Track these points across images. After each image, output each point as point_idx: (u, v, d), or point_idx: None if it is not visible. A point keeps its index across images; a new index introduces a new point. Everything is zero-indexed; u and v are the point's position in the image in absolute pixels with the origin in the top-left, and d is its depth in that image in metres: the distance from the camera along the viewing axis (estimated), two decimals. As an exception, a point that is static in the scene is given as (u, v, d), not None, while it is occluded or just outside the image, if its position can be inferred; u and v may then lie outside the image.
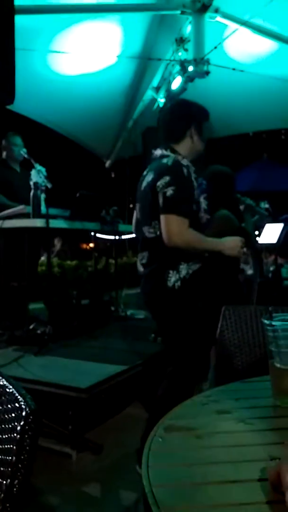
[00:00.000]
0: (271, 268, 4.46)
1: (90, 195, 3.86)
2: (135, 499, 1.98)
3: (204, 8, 3.80)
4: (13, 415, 0.71)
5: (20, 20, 2.22)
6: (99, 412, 2.70)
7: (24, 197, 3.46)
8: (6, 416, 0.72)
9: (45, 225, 3.18)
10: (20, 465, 0.66)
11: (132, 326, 4.02)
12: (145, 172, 2.09)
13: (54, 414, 2.38)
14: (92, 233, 4.55)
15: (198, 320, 1.98)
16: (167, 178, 1.88)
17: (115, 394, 2.74)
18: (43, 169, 3.39)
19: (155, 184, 1.92)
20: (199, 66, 3.89)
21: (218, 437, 0.82)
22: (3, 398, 0.75)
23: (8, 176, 3.99)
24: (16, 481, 0.65)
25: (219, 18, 3.92)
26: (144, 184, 2.04)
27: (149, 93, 5.14)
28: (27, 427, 0.68)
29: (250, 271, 3.37)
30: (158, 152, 2.06)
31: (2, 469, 0.67)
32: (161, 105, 4.96)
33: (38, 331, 3.29)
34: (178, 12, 3.95)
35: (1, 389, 0.77)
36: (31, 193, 3.32)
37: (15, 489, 0.65)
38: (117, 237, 4.69)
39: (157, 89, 5.00)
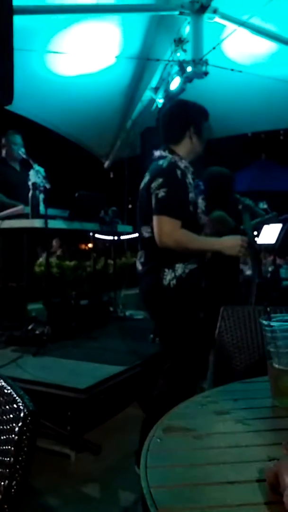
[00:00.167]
0: (270, 269, 4.46)
1: (89, 195, 3.86)
2: (134, 499, 1.97)
3: (203, 8, 3.80)
4: (11, 416, 0.71)
5: (19, 21, 2.22)
6: (98, 413, 2.70)
7: (23, 196, 3.46)
8: (4, 417, 0.72)
9: (44, 225, 3.18)
10: (18, 466, 0.66)
11: (131, 327, 4.01)
12: (146, 174, 2.12)
13: (53, 414, 2.37)
14: (91, 234, 4.55)
15: (194, 319, 1.99)
16: (160, 180, 1.92)
17: (114, 395, 2.74)
18: (41, 170, 3.39)
19: (149, 185, 1.96)
20: (198, 67, 3.89)
21: (216, 437, 0.82)
22: (1, 399, 0.75)
23: (7, 175, 3.98)
24: (14, 482, 0.65)
25: (217, 19, 3.92)
26: (142, 185, 2.07)
27: (147, 94, 5.14)
28: (25, 428, 0.68)
29: (248, 272, 3.37)
30: (157, 153, 2.08)
31: (0, 470, 0.67)
32: (159, 106, 4.96)
33: (37, 332, 3.29)
34: (177, 12, 3.95)
35: (-1, 390, 0.77)
36: (30, 194, 3.32)
37: (13, 490, 0.65)
38: (116, 238, 4.69)
39: (156, 89, 5.00)
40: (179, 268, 1.94)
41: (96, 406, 2.62)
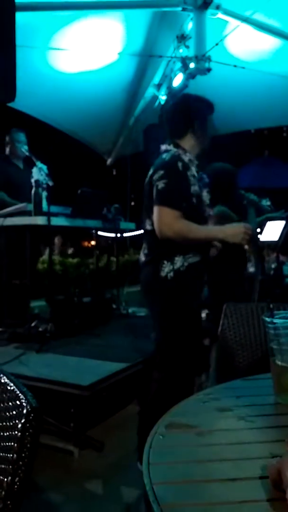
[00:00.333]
0: (273, 266, 4.44)
1: (91, 192, 3.86)
2: (137, 496, 1.98)
3: (206, 4, 3.78)
4: (14, 412, 0.71)
5: (21, 17, 2.22)
6: (101, 410, 2.71)
7: (26, 194, 3.46)
8: (7, 413, 0.72)
9: (47, 222, 3.18)
10: (21, 463, 0.66)
11: (134, 324, 4.01)
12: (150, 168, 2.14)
13: (56, 411, 2.38)
14: (94, 231, 4.55)
15: (188, 313, 2.00)
16: (161, 172, 1.95)
17: (117, 392, 2.74)
18: (44, 167, 3.39)
19: (152, 178, 2.00)
20: (201, 63, 3.88)
21: (219, 434, 0.82)
22: (4, 396, 0.75)
23: (10, 173, 3.98)
24: (17, 479, 0.65)
25: (220, 15, 3.90)
26: (146, 179, 2.10)
27: (150, 90, 5.12)
28: (28, 425, 0.68)
29: (251, 269, 3.36)
30: (163, 147, 2.11)
31: (3, 466, 0.67)
32: (162, 102, 4.94)
33: (40, 329, 3.30)
34: (179, 8, 3.93)
35: (2, 387, 0.77)
36: (33, 191, 3.32)
37: (16, 486, 0.65)
38: (118, 235, 4.69)
39: (159, 86, 4.99)
40: (178, 261, 1.96)
41: (99, 403, 2.63)
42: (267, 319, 0.95)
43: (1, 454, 0.69)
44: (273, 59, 4.41)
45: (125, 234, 4.78)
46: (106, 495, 2.07)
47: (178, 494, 0.63)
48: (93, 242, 5.21)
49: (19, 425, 0.68)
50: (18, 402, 0.71)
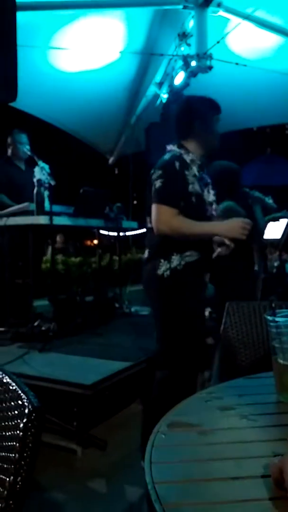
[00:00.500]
0: (275, 264, 4.44)
1: (93, 191, 3.86)
2: (140, 495, 1.98)
3: (207, 2, 3.76)
4: (16, 412, 0.71)
5: (22, 17, 2.21)
6: (104, 409, 2.71)
7: (28, 195, 3.47)
8: (9, 413, 0.72)
9: (49, 222, 3.19)
10: (23, 462, 0.66)
11: (136, 323, 4.01)
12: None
13: (59, 410, 2.39)
14: (96, 230, 4.55)
15: (186, 311, 1.99)
16: (159, 172, 2.00)
17: (120, 391, 2.75)
18: (46, 166, 3.40)
19: (151, 177, 2.03)
20: (202, 61, 3.87)
21: (221, 433, 0.82)
22: (6, 395, 0.76)
23: (11, 174, 3.98)
24: (19, 478, 0.65)
25: (221, 12, 3.88)
26: (148, 178, 2.11)
27: (152, 89, 5.11)
28: (29, 425, 0.68)
29: (254, 267, 3.36)
30: (168, 147, 2.14)
31: (5, 466, 0.67)
32: (164, 101, 4.93)
33: (43, 328, 3.31)
34: (181, 6, 3.92)
35: (4, 387, 0.77)
36: (35, 190, 3.33)
37: (18, 486, 0.65)
38: (121, 234, 4.69)
39: (160, 84, 4.97)
40: (175, 259, 1.98)
41: (102, 402, 2.63)
42: (269, 318, 0.95)
43: (3, 453, 0.69)
44: (275, 57, 4.39)
45: (127, 233, 4.78)
46: (109, 494, 2.07)
47: (180, 493, 0.63)
48: (95, 241, 5.22)
49: (21, 425, 0.68)
50: (20, 402, 0.71)
